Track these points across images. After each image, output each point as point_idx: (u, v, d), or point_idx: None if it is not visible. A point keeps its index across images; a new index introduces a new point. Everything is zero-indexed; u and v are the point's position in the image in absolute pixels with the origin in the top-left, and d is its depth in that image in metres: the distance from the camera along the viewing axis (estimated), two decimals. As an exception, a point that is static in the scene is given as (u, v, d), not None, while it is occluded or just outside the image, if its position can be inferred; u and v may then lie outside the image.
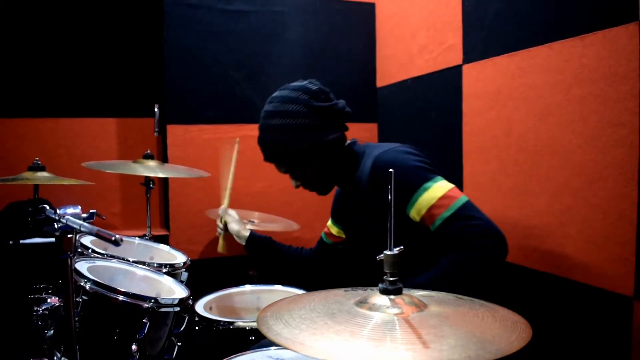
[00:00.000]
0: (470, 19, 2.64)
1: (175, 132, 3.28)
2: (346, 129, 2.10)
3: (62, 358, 1.89)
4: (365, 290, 1.22)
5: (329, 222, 2.48)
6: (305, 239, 3.53)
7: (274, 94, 2.06)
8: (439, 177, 1.81)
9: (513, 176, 2.34)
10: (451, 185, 1.79)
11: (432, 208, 1.76)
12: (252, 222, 3.01)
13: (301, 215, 3.45)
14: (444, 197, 1.75)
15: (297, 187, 2.12)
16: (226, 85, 3.37)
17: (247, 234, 2.59)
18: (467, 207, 1.76)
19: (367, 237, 2.03)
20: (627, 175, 1.84)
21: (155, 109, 3.41)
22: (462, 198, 1.77)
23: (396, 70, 3.41)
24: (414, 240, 1.78)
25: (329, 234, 2.48)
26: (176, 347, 2.05)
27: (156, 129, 3.44)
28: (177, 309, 2.01)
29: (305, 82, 2.06)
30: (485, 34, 2.51)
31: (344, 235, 2.40)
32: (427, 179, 1.78)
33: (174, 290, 2.17)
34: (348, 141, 2.13)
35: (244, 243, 2.60)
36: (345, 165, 2.07)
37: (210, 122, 3.34)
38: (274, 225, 3.16)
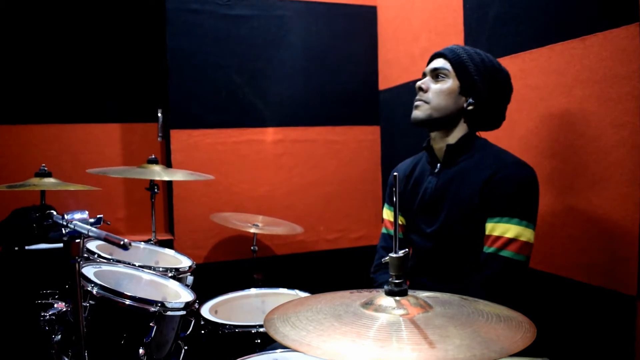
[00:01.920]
0: (471, 21, 2.65)
1: (179, 137, 3.29)
2: (474, 127, 1.95)
3: (70, 362, 1.90)
4: (370, 291, 1.23)
5: (388, 212, 2.23)
6: (309, 242, 3.55)
7: (489, 54, 1.95)
8: (533, 226, 1.76)
9: (516, 177, 2.34)
10: (532, 240, 1.75)
11: (501, 239, 1.73)
12: (257, 225, 3.02)
13: (305, 219, 3.46)
14: (518, 241, 1.72)
15: (419, 89, 1.94)
16: (228, 90, 3.38)
17: None
18: (523, 265, 1.74)
19: (449, 228, 1.87)
20: (629, 176, 1.85)
21: (159, 114, 3.44)
22: (526, 257, 1.74)
23: (398, 73, 3.42)
24: (473, 250, 1.79)
25: (399, 226, 2.17)
26: (183, 351, 2.06)
27: (160, 134, 3.46)
28: (184, 312, 2.02)
29: (508, 73, 1.95)
30: (487, 37, 2.53)
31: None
32: (527, 217, 1.74)
33: (180, 294, 2.18)
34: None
35: None
36: (459, 142, 1.92)
37: (213, 126, 3.35)
38: (277, 228, 3.17)
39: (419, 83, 1.96)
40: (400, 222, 2.16)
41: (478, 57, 1.90)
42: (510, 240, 1.72)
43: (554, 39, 2.15)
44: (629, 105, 1.85)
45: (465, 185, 1.84)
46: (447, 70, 1.91)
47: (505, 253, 1.72)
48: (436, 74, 1.93)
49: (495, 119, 1.98)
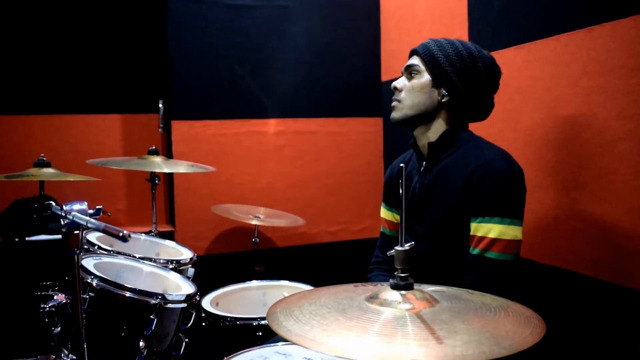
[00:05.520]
0: (476, 11, 2.62)
1: (180, 128, 3.27)
2: (456, 119, 1.90)
3: (70, 355, 1.89)
4: (375, 285, 1.21)
5: (385, 211, 2.19)
6: (311, 234, 3.54)
7: (468, 42, 1.89)
8: (519, 222, 1.72)
9: (520, 170, 2.32)
10: (519, 237, 1.72)
11: (485, 239, 1.70)
12: (258, 217, 3.00)
13: (307, 211, 3.44)
14: (502, 241, 1.69)
15: (394, 89, 1.93)
16: (230, 81, 3.36)
17: None
18: (510, 264, 1.70)
19: (438, 229, 1.84)
20: (636, 168, 1.83)
21: (160, 105, 3.42)
22: (514, 256, 1.70)
23: (401, 64, 3.37)
24: (464, 250, 1.76)
25: (392, 226, 2.17)
26: (184, 344, 2.04)
27: (161, 125, 3.44)
28: (184, 305, 2.00)
29: (493, 60, 1.89)
30: (492, 27, 2.50)
31: None
32: (509, 214, 1.70)
33: (180, 287, 2.17)
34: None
35: None
36: (441, 139, 1.88)
37: (214, 117, 3.33)
38: (279, 220, 3.15)
39: (394, 83, 1.94)
40: (394, 220, 2.15)
41: (450, 47, 1.85)
42: (494, 241, 1.68)
43: (560, 29, 2.13)
44: (637, 97, 1.83)
45: (449, 184, 1.81)
46: (419, 66, 1.89)
47: (490, 254, 1.69)
48: (409, 72, 1.91)
49: (479, 109, 1.93)
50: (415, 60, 1.91)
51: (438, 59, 1.84)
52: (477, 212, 1.73)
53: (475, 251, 1.71)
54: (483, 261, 1.70)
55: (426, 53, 1.87)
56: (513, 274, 1.72)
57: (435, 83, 1.86)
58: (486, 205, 1.71)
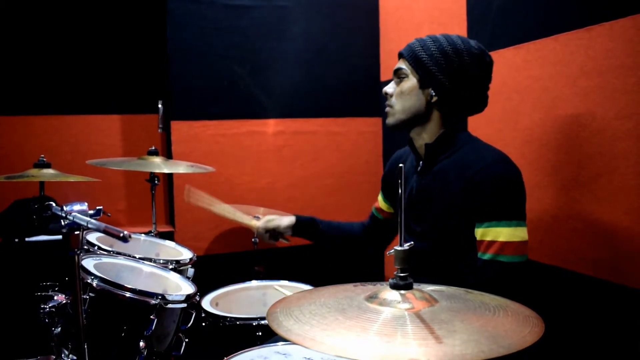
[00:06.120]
0: (474, 11, 2.62)
1: (180, 128, 3.27)
2: (451, 115, 1.90)
3: (70, 355, 1.89)
4: (374, 285, 1.22)
5: (381, 201, 2.33)
6: (311, 234, 3.53)
7: (454, 36, 1.88)
8: (524, 223, 1.73)
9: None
10: (526, 237, 1.72)
11: (495, 244, 1.70)
12: (257, 217, 3.00)
13: (306, 211, 3.41)
14: (513, 243, 1.69)
15: (385, 94, 1.96)
16: (230, 81, 3.36)
17: (294, 219, 2.45)
18: (523, 265, 1.71)
19: (438, 229, 1.85)
20: (635, 168, 1.83)
21: (159, 105, 3.42)
22: (522, 257, 1.71)
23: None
24: (464, 249, 1.77)
25: (380, 210, 2.34)
26: (184, 344, 2.04)
27: (160, 126, 3.44)
28: (184, 305, 2.00)
29: (482, 51, 1.87)
30: (490, 27, 2.50)
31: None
32: (515, 216, 1.71)
33: (180, 287, 2.17)
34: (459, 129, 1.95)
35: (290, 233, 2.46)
36: (438, 141, 1.89)
37: (214, 117, 3.33)
38: (279, 220, 3.14)
39: (384, 89, 1.96)
40: (386, 210, 2.29)
41: (434, 45, 1.85)
42: (505, 244, 1.69)
43: (558, 29, 2.13)
44: (635, 97, 1.83)
45: (448, 186, 1.82)
46: (405, 69, 1.91)
47: (503, 258, 1.69)
48: (398, 76, 1.94)
49: (472, 103, 1.92)
50: (402, 64, 1.93)
51: (422, 60, 1.85)
52: (482, 217, 1.73)
53: (487, 256, 1.71)
54: (496, 265, 1.70)
55: (410, 55, 1.89)
56: (526, 274, 1.73)
57: (422, 84, 1.87)
58: (491, 210, 1.71)
